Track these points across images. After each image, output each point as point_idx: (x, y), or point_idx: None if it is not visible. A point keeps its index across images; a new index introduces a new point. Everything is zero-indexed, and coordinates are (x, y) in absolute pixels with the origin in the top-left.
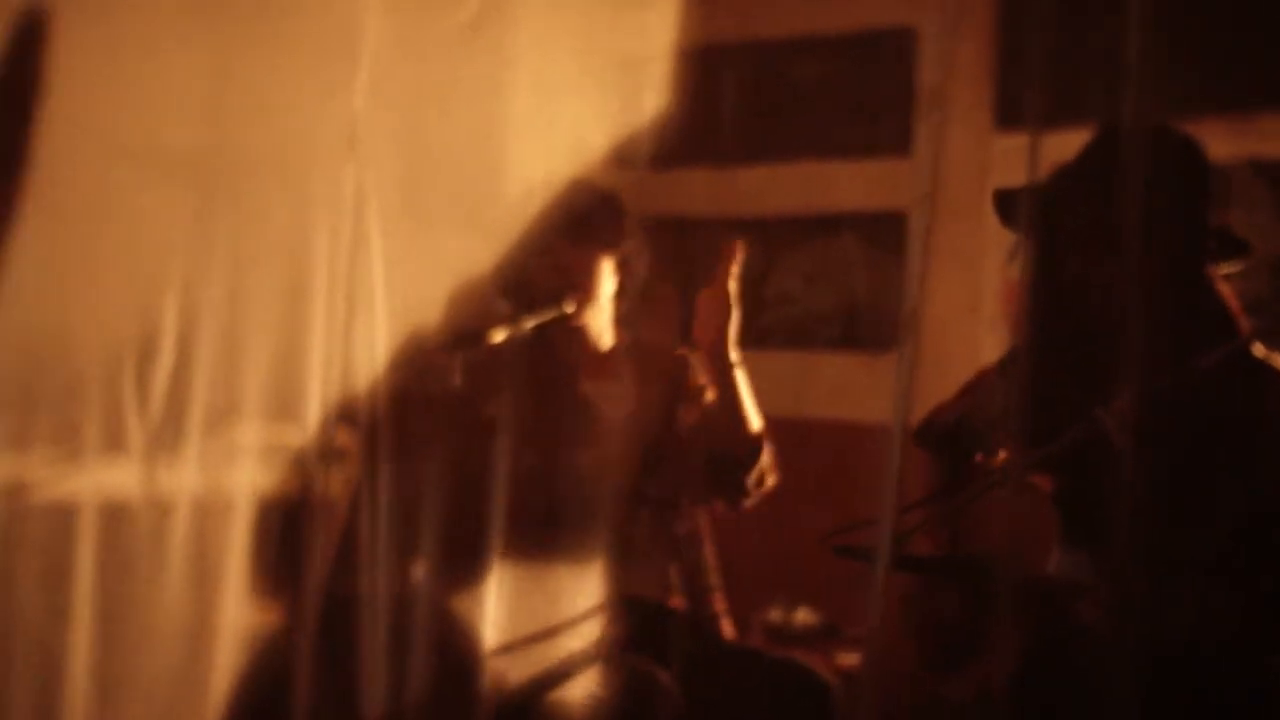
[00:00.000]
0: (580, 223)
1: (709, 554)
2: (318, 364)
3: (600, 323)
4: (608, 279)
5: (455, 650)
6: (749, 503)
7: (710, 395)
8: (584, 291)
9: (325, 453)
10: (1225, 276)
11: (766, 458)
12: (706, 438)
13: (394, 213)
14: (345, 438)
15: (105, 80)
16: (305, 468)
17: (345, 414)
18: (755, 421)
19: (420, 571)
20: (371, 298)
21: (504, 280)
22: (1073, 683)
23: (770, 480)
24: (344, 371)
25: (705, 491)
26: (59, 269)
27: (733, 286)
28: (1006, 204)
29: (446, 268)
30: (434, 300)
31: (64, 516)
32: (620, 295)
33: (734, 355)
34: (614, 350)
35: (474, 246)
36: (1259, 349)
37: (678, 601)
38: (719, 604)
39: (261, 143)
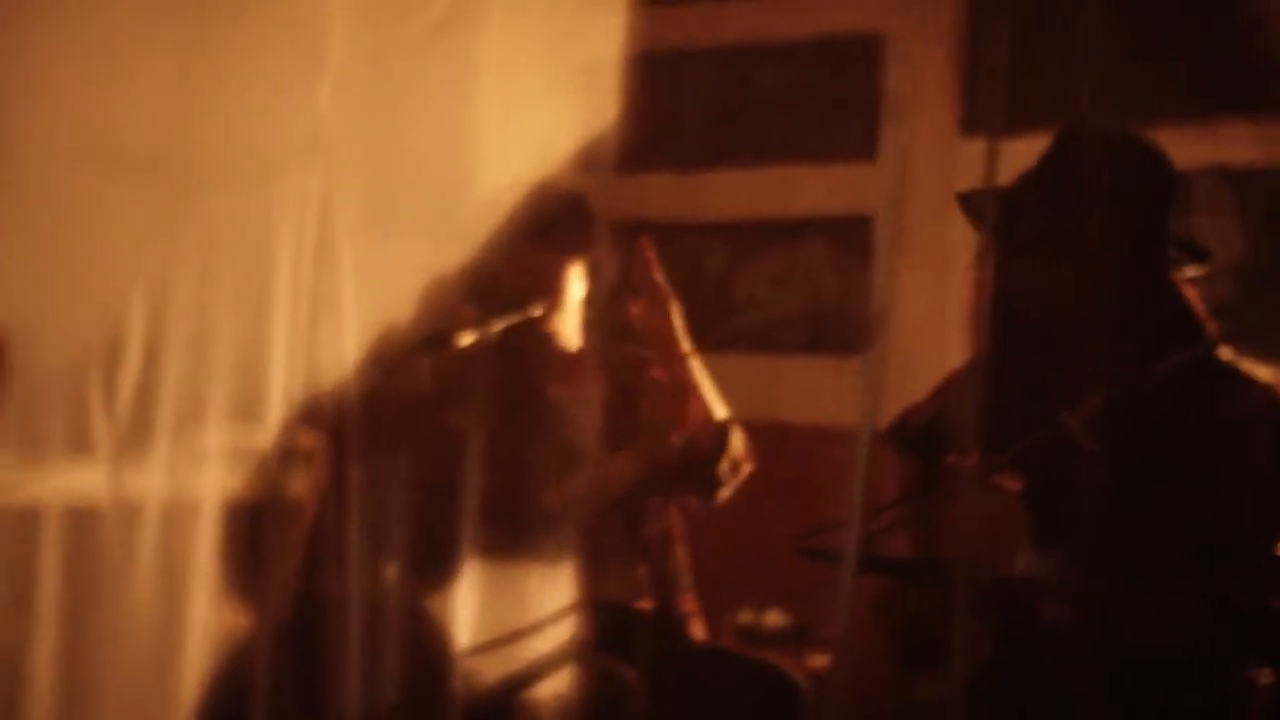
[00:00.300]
0: (549, 228)
1: (680, 554)
2: (281, 367)
3: (568, 328)
4: (576, 284)
5: (427, 651)
6: (724, 493)
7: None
8: (553, 297)
9: (286, 454)
10: (1190, 280)
11: (738, 445)
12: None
13: (359, 216)
14: (310, 439)
15: (71, 84)
16: (270, 469)
17: (309, 416)
18: (719, 410)
19: (392, 572)
20: (337, 301)
21: (471, 283)
22: (1040, 683)
23: (745, 468)
24: (308, 374)
25: (678, 487)
26: (23, 270)
27: (659, 280)
28: (972, 205)
29: (412, 271)
30: (400, 304)
31: (29, 519)
32: (588, 300)
33: (685, 346)
34: (581, 354)
35: (440, 250)
36: (1225, 352)
37: (646, 603)
38: (690, 604)
39: (227, 146)
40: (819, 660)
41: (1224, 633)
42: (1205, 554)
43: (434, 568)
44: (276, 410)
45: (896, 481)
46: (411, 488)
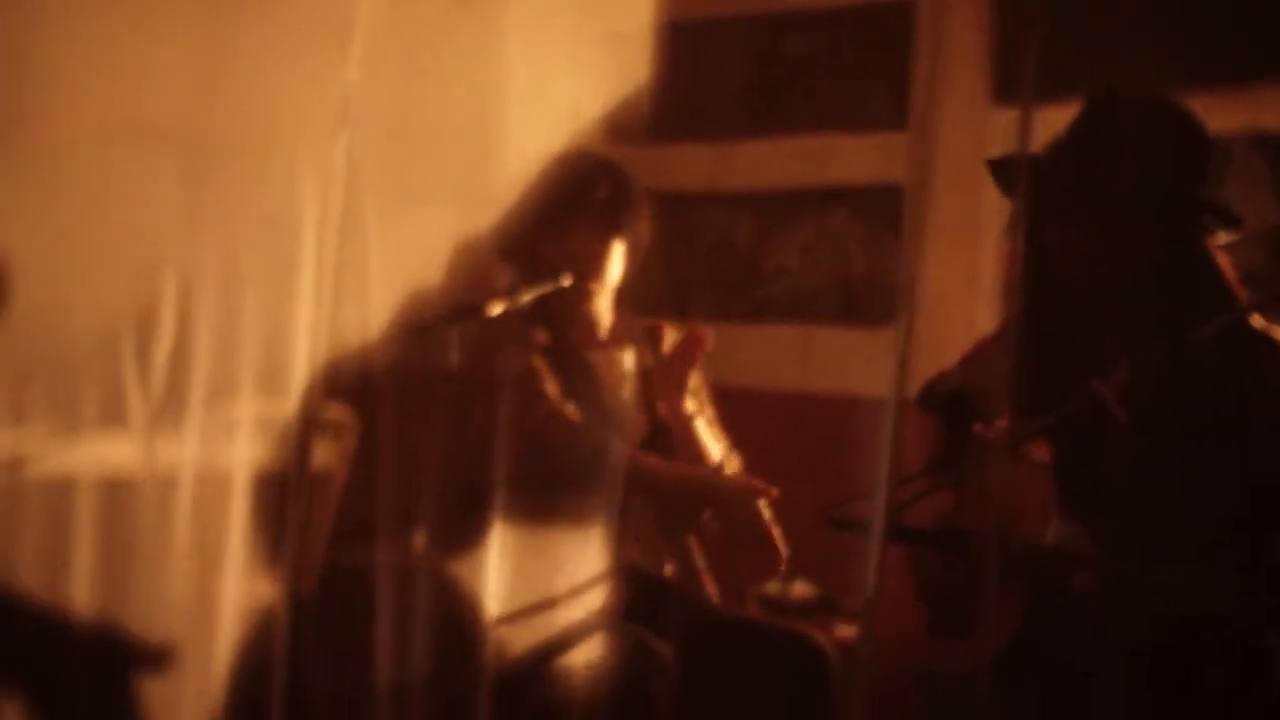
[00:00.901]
0: (586, 198)
1: (694, 541)
2: (309, 338)
3: (604, 303)
4: (610, 256)
5: (458, 620)
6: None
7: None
8: (584, 268)
9: (310, 425)
10: (1221, 247)
11: None
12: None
13: (386, 187)
14: (336, 410)
15: (98, 58)
16: (296, 441)
17: (336, 387)
18: (715, 453)
19: (422, 541)
20: (364, 272)
21: (504, 250)
22: (1067, 653)
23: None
24: (335, 345)
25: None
26: (54, 243)
27: (695, 380)
28: (1002, 172)
29: (439, 242)
30: (427, 274)
31: (62, 490)
32: (624, 273)
33: (690, 407)
34: (614, 325)
35: (467, 221)
36: (1258, 320)
37: (673, 572)
38: (709, 586)
39: (254, 117)
40: (846, 631)
41: (1252, 606)
42: (1236, 525)
43: (464, 536)
44: (304, 382)
45: (922, 451)
46: (442, 456)
